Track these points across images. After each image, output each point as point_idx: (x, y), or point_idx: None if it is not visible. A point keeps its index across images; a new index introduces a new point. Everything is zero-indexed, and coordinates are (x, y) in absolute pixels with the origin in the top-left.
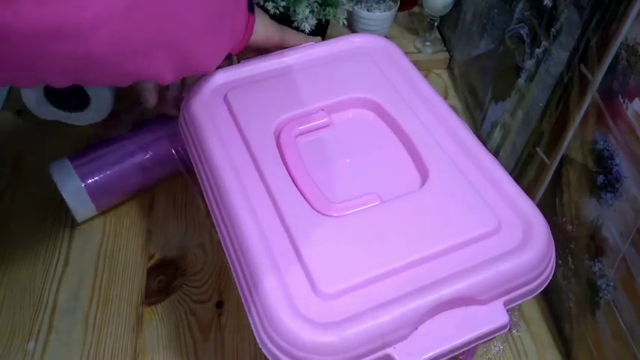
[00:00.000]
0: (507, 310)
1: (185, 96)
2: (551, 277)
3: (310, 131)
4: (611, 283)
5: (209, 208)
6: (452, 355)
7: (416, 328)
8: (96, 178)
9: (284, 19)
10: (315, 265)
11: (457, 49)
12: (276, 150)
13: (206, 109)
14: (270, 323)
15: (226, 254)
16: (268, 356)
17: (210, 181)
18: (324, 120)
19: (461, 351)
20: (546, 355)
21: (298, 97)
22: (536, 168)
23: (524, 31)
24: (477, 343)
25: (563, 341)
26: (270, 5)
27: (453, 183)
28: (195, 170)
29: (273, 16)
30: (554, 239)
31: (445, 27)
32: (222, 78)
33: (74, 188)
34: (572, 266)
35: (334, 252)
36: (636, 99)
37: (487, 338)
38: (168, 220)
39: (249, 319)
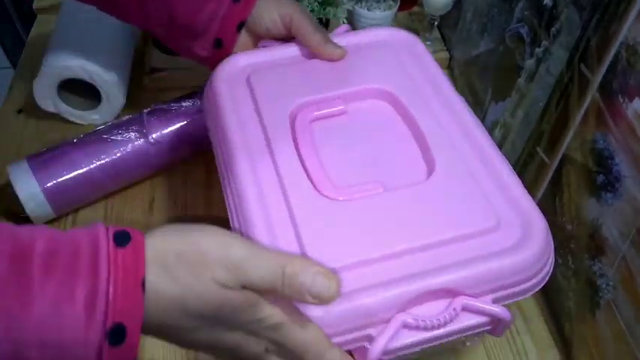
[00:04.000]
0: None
1: (210, 76)
2: (547, 279)
3: (326, 117)
4: (611, 283)
5: (220, 178)
6: (432, 345)
7: (401, 312)
8: (54, 181)
9: None
10: (310, 242)
11: (457, 49)
12: (290, 132)
13: (228, 87)
14: None
15: (230, 221)
16: None
17: (224, 155)
18: (340, 107)
19: (442, 341)
20: (546, 355)
21: (318, 84)
22: (536, 167)
23: (524, 31)
24: (459, 335)
25: (563, 340)
26: None
27: (458, 179)
28: (212, 144)
29: None
30: (554, 239)
31: (445, 26)
32: (246, 60)
33: (31, 192)
34: (572, 266)
35: (330, 233)
36: (636, 98)
37: (469, 332)
38: (168, 219)
39: None
